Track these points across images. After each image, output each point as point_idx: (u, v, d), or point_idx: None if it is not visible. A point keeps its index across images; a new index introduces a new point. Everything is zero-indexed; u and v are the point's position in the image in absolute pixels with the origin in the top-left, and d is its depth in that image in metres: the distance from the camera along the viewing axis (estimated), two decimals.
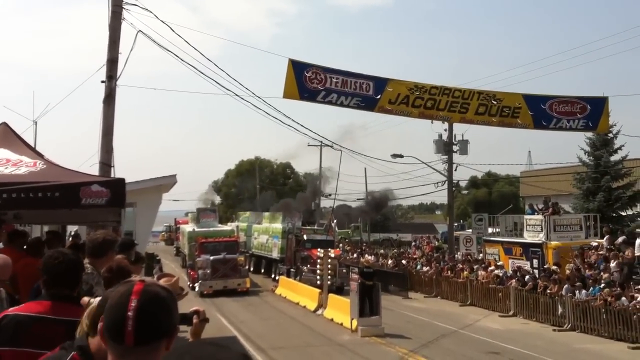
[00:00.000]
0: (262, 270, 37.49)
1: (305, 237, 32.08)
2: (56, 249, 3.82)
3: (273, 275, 34.44)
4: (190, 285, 30.10)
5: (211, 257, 29.25)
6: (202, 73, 16.43)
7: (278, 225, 35.60)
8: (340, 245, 44.30)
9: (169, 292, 2.06)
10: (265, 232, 37.75)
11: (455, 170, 35.36)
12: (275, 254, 35.07)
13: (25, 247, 9.00)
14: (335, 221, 36.74)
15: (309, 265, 29.27)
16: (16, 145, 8.53)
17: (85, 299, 4.27)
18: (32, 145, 13.81)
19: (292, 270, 31.32)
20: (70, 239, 13.55)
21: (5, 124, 9.00)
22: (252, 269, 37.58)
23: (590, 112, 26.27)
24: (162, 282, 3.89)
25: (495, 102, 25.55)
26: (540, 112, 25.93)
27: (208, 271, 28.92)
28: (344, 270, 29.50)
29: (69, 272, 3.61)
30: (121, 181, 7.94)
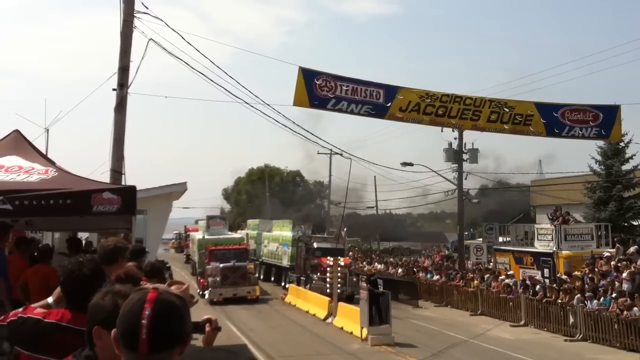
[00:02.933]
0: (272, 278, 37.43)
1: (315, 245, 31.99)
2: (76, 259, 3.81)
3: (283, 284, 34.36)
4: (200, 292, 30.13)
5: (221, 265, 29.27)
6: (212, 81, 16.48)
7: (288, 233, 35.61)
8: (350, 253, 44.21)
9: (182, 300, 2.06)
10: (275, 240, 37.74)
11: (466, 178, 35.26)
12: (285, 262, 35.02)
13: (35, 254, 9.06)
14: (345, 229, 36.68)
15: (319, 274, 29.18)
16: (28, 153, 8.59)
17: None
18: (44, 152, 13.91)
19: (302, 278, 31.20)
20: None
21: (17, 131, 9.06)
22: (262, 277, 37.58)
23: (603, 120, 26.13)
24: (173, 289, 3.90)
25: (507, 110, 25.47)
26: (553, 120, 25.83)
27: (218, 279, 28.94)
28: (355, 279, 29.38)
29: (86, 284, 3.60)
30: (132, 189, 7.98)
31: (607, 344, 18.43)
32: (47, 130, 26.49)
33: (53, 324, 3.42)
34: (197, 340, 2.98)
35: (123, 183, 13.02)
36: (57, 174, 8.07)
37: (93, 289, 3.63)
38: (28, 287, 7.89)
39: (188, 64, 15.65)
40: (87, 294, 3.55)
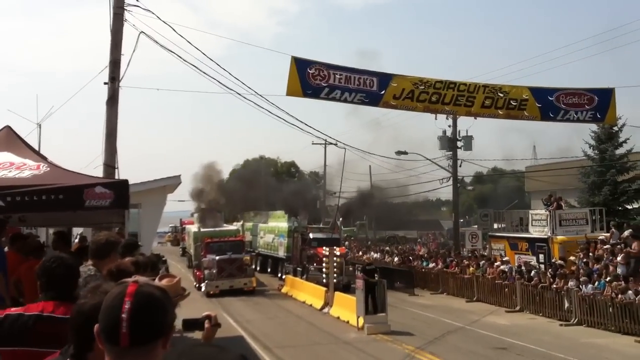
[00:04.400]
0: (269, 270, 37.42)
1: (311, 235, 32.03)
2: (54, 254, 3.90)
3: (280, 275, 34.38)
4: (197, 285, 30.13)
5: (217, 257, 29.21)
6: (204, 73, 16.46)
7: (284, 224, 35.55)
8: (346, 243, 44.24)
9: (163, 292, 2.07)
10: (271, 231, 37.69)
11: (460, 166, 35.36)
12: (281, 253, 35.05)
13: (29, 250, 9.04)
14: (341, 219, 36.71)
15: (315, 264, 29.24)
16: (19, 149, 8.56)
17: None
18: (37, 148, 13.87)
19: (298, 269, 31.23)
20: (77, 241, 13.59)
21: (8, 127, 9.03)
22: (258, 268, 37.54)
23: (598, 104, 26.09)
24: (164, 282, 3.91)
25: (501, 95, 25.40)
26: (548, 104, 25.78)
27: (214, 271, 28.86)
28: (351, 268, 29.43)
29: (67, 276, 3.68)
30: (125, 182, 7.96)
31: (602, 328, 18.56)
32: (40, 125, 26.46)
33: (35, 316, 3.46)
34: (198, 336, 2.99)
35: (116, 177, 13.02)
36: (49, 169, 8.05)
37: (69, 281, 3.71)
38: (22, 283, 7.89)
39: (180, 56, 15.64)
40: (63, 285, 3.62)
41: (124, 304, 1.95)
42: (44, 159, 8.86)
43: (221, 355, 1.80)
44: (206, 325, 2.87)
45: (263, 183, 49.36)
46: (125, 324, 1.92)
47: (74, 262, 3.90)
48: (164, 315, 2.02)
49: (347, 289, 26.06)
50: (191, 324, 2.93)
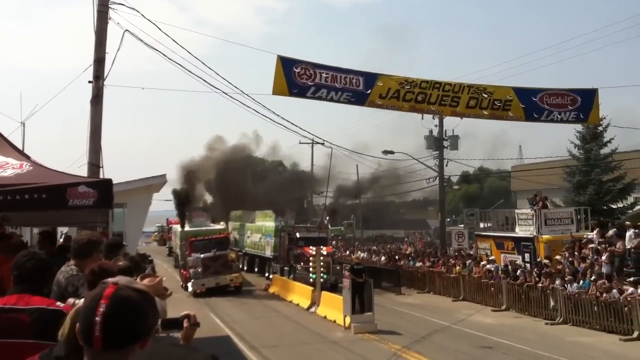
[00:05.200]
0: (256, 269, 37.24)
1: (298, 234, 31.87)
2: (29, 250, 3.96)
3: (267, 274, 34.19)
4: (183, 285, 29.93)
5: (201, 255, 29.00)
6: (189, 71, 16.38)
7: (271, 224, 35.39)
8: (333, 242, 44.18)
9: (143, 294, 2.02)
10: (258, 230, 37.49)
11: (446, 165, 35.48)
12: (268, 253, 34.85)
13: (13, 249, 8.99)
14: (328, 218, 36.66)
15: (302, 263, 29.18)
16: (2, 147, 8.49)
17: (71, 300, 4.24)
18: (21, 147, 13.75)
19: (285, 268, 31.11)
20: (62, 240, 13.49)
21: None
22: (245, 267, 37.41)
23: (581, 104, 26.24)
24: (145, 282, 3.87)
25: (486, 96, 25.47)
26: (532, 104, 25.89)
27: (199, 269, 28.66)
28: (338, 267, 29.42)
29: (37, 270, 3.72)
30: (108, 182, 7.90)
31: (587, 327, 18.68)
32: (23, 124, 26.21)
33: None
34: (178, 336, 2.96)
35: (101, 176, 12.92)
36: (32, 168, 7.98)
37: (42, 275, 3.75)
38: (5, 281, 7.88)
39: (165, 55, 15.55)
40: (35, 279, 3.66)
41: (98, 307, 1.91)
42: (26, 157, 8.78)
43: (192, 355, 1.76)
44: (185, 324, 2.83)
45: (249, 181, 49.03)
46: (98, 327, 1.89)
47: (47, 258, 3.92)
48: (141, 320, 1.97)
49: (334, 288, 26.06)
50: (170, 324, 2.89)
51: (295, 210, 41.78)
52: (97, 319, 1.89)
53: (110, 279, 2.08)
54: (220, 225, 41.65)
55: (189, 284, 28.86)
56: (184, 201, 37.82)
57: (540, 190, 31.10)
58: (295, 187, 45.93)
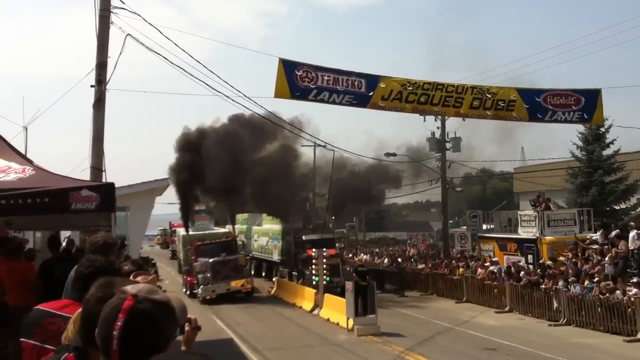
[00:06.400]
0: (264, 274, 36.29)
1: (303, 237, 30.94)
2: (90, 255, 3.97)
3: (274, 279, 33.35)
4: (187, 292, 29.06)
5: (210, 260, 27.65)
6: (191, 75, 16.37)
7: (277, 226, 34.28)
8: (337, 244, 43.84)
9: (162, 306, 2.00)
10: (265, 233, 36.52)
11: (449, 167, 35.43)
12: (275, 257, 33.94)
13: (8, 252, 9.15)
14: (333, 217, 36.34)
15: (310, 267, 28.40)
16: (5, 152, 8.51)
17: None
18: (24, 151, 13.78)
19: (294, 273, 29.90)
20: (64, 244, 13.51)
21: None
22: (253, 272, 35.89)
23: (585, 104, 26.25)
24: (139, 279, 3.88)
25: (489, 96, 25.47)
26: (535, 104, 25.90)
27: (208, 275, 27.27)
28: (348, 268, 28.52)
29: (93, 279, 3.69)
30: (111, 186, 7.94)
31: (591, 328, 18.63)
32: (26, 128, 26.27)
33: (42, 310, 3.56)
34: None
35: (104, 180, 12.94)
36: (34, 172, 8.00)
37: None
38: (2, 284, 8.00)
39: (166, 59, 15.55)
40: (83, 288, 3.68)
41: (117, 320, 1.91)
42: (29, 162, 8.81)
43: None
44: (186, 328, 2.82)
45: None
46: (115, 341, 1.90)
47: (109, 265, 3.86)
48: (159, 333, 1.96)
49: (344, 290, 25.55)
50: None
51: (299, 212, 41.46)
52: (114, 333, 1.89)
53: (129, 288, 2.04)
54: (225, 229, 40.90)
55: (199, 290, 27.38)
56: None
57: (543, 192, 31.07)
58: (299, 190, 45.71)
